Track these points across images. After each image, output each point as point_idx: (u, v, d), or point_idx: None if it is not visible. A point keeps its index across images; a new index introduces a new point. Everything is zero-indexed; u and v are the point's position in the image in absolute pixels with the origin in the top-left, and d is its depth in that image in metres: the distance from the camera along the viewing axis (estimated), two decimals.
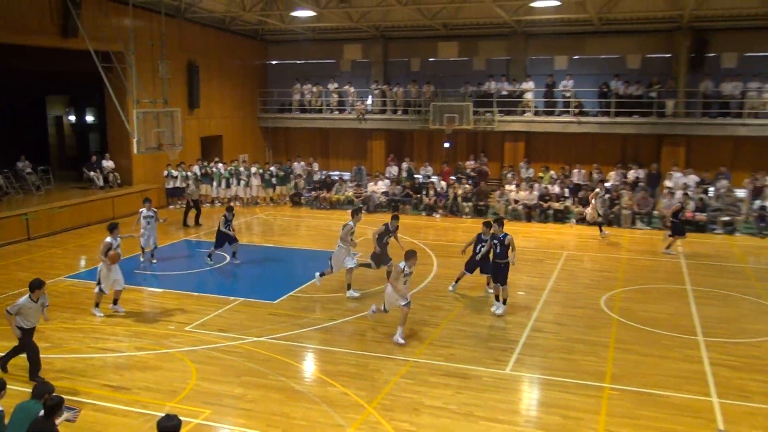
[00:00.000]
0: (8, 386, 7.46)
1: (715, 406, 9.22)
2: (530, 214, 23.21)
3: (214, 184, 25.79)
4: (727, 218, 21.48)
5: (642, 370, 10.47)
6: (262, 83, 31.50)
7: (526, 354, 11.14)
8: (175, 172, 24.58)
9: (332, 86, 29.81)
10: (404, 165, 27.09)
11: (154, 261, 16.64)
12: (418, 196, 25.07)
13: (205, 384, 9.85)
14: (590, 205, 20.72)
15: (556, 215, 23.10)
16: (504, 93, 27.08)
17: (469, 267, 14.22)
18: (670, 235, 18.43)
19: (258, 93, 30.84)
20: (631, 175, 24.39)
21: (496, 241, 12.99)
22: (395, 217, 14.72)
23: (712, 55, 25.71)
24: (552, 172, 25.20)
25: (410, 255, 11.30)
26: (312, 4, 23.15)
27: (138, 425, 8.63)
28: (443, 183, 25.31)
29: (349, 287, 14.18)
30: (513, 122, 26.73)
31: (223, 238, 16.49)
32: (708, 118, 24.74)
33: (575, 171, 25.29)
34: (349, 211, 17.86)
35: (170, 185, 24.72)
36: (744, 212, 21.95)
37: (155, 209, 16.67)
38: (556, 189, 23.90)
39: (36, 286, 9.76)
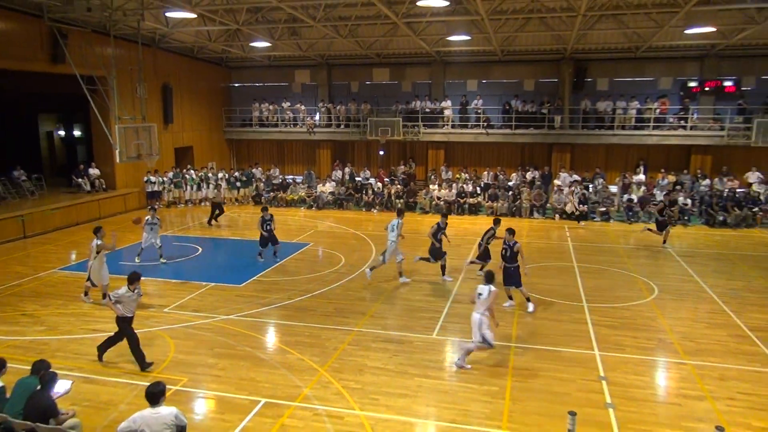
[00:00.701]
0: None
1: (597, 358, 9.57)
2: (450, 208, 23.50)
3: (187, 187, 25.10)
4: (603, 209, 22.31)
5: (540, 331, 10.77)
6: (227, 102, 30.71)
7: (449, 321, 11.28)
8: (153, 178, 23.74)
9: (286, 105, 29.35)
10: (347, 169, 26.95)
11: (163, 261, 15.49)
12: (359, 195, 25.03)
13: (182, 356, 9.58)
14: (570, 201, 21.72)
15: (471, 209, 23.48)
16: (427, 110, 27.26)
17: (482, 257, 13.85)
18: (650, 230, 17.80)
19: (223, 110, 30.06)
20: (529, 175, 24.99)
21: (506, 247, 12.04)
22: (445, 216, 14.25)
23: (590, 79, 26.58)
24: (466, 174, 25.58)
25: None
26: (267, 36, 22.74)
27: (124, 393, 8.33)
28: (379, 184, 25.32)
29: (400, 275, 13.88)
30: (435, 134, 26.95)
31: (265, 239, 15.56)
32: (587, 130, 25.50)
33: (485, 173, 25.73)
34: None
35: (149, 189, 23.86)
36: (616, 204, 22.84)
37: (159, 217, 15.77)
38: (470, 188, 24.29)
39: (135, 278, 9.08)
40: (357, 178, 26.66)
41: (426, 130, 26.68)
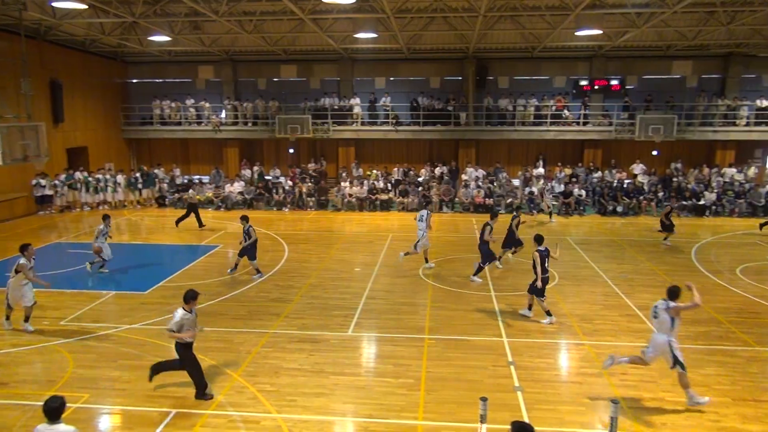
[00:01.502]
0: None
1: (506, 344, 10.01)
2: (362, 205, 23.65)
3: (83, 190, 23.44)
4: (508, 201, 23.33)
5: (452, 321, 11.09)
6: (125, 99, 28.92)
7: (364, 318, 11.36)
8: (43, 182, 21.99)
9: (189, 102, 28.21)
10: (256, 168, 26.37)
11: (106, 271, 14.44)
12: (270, 194, 24.55)
13: (82, 371, 8.96)
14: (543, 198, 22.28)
15: (382, 205, 23.74)
16: (336, 107, 27.23)
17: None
18: (660, 230, 17.58)
19: (120, 108, 28.35)
20: (438, 171, 25.66)
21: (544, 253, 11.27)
22: (495, 215, 14.01)
23: (491, 78, 27.68)
24: (376, 170, 25.83)
25: None
26: (167, 30, 21.67)
27: (17, 416, 7.67)
28: (290, 182, 24.98)
29: (426, 260, 14.99)
30: (345, 131, 26.97)
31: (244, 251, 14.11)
32: (490, 126, 26.53)
33: (395, 169, 26.11)
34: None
35: (39, 194, 22.07)
36: (519, 196, 23.97)
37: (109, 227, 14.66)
38: (381, 184, 24.55)
39: (192, 297, 8.13)
40: (267, 177, 26.14)
41: (336, 128, 26.63)
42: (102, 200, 23.75)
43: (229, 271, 14.40)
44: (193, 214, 19.74)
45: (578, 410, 7.82)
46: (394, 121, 26.72)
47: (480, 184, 24.10)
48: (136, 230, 20.37)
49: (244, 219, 14.26)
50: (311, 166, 26.88)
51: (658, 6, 17.49)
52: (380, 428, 7.44)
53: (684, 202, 22.41)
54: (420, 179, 25.20)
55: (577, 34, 21.08)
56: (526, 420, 7.41)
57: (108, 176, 24.02)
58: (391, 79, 28.49)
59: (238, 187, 24.56)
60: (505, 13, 20.00)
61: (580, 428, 7.32)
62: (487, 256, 13.66)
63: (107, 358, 9.42)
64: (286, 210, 23.64)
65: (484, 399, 6.35)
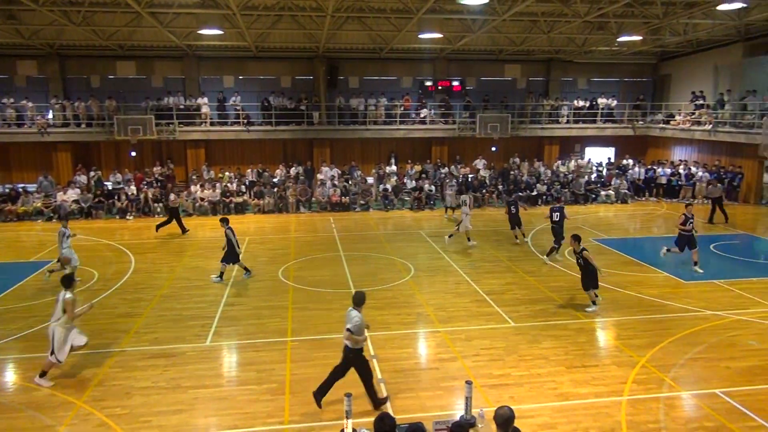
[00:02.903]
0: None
1: (368, 338, 10.23)
2: (215, 208, 22.71)
3: None
4: (363, 202, 23.84)
5: (314, 322, 11.10)
6: None
7: (223, 326, 10.95)
8: None
9: (8, 101, 24.92)
10: (92, 174, 24.11)
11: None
12: (110, 201, 22.59)
13: None
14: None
15: (237, 207, 23.00)
16: (182, 107, 25.81)
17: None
18: (672, 249, 14.77)
19: None
20: (293, 171, 25.47)
21: (578, 255, 11.55)
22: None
23: (342, 77, 28.10)
24: (229, 172, 24.98)
25: None
26: None
27: None
28: (134, 188, 23.20)
29: (469, 239, 17.14)
30: (193, 132, 25.66)
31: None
32: (343, 125, 26.93)
33: (248, 170, 25.44)
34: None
35: None
36: (374, 194, 24.63)
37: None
38: (234, 186, 23.78)
39: (362, 299, 7.73)
40: (106, 183, 24.03)
41: (182, 128, 25.25)
42: None
43: (244, 275, 14.05)
44: (175, 221, 18.93)
45: (437, 395, 8.26)
46: (245, 121, 26.00)
47: (336, 183, 24.37)
48: None
49: (224, 221, 14.00)
50: (157, 169, 25.23)
51: (490, 14, 18.98)
52: None
53: (520, 194, 24.59)
54: (275, 180, 24.83)
55: (420, 36, 22.16)
56: (390, 410, 7.67)
57: None
58: (240, 77, 27.69)
59: (72, 194, 22.24)
60: (353, 14, 20.42)
61: (440, 411, 7.74)
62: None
63: None
64: (130, 218, 21.93)
65: (348, 395, 6.45)
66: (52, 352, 8.51)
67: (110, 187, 23.59)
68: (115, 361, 9.34)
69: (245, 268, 14.13)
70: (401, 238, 18.60)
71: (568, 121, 28.52)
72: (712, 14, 19.91)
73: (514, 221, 17.66)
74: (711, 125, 24.71)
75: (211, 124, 26.12)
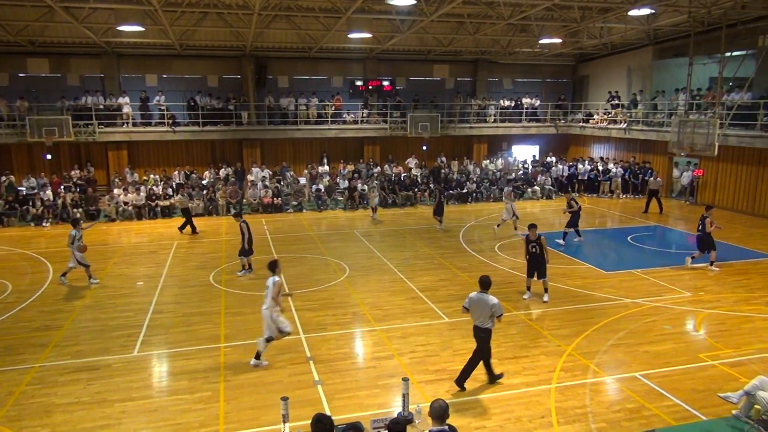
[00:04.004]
0: None
1: (303, 341, 10.15)
2: (140, 213, 21.76)
3: None
4: (295, 202, 23.55)
5: (248, 326, 10.85)
6: None
7: (151, 335, 10.52)
8: None
9: None
10: (3, 179, 22.48)
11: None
12: (24, 207, 21.16)
13: None
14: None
15: (163, 211, 22.14)
16: (102, 107, 24.55)
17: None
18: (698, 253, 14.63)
19: None
20: (222, 172, 24.82)
21: (534, 243, 11.92)
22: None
23: (271, 77, 27.65)
24: (154, 175, 24.02)
25: None
26: None
27: None
28: (50, 192, 21.83)
29: (515, 228, 18.34)
30: (114, 133, 24.43)
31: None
32: (273, 126, 26.46)
33: (175, 172, 24.57)
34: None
35: None
36: (306, 194, 24.39)
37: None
38: (160, 189, 22.89)
39: (489, 283, 8.25)
40: (20, 188, 22.50)
41: (103, 129, 24.02)
42: None
43: (239, 273, 14.23)
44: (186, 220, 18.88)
45: (374, 393, 8.30)
46: (170, 121, 25.06)
47: (267, 184, 23.96)
48: None
49: (237, 215, 14.69)
50: (76, 173, 23.89)
51: (418, 14, 19.24)
52: None
53: (451, 191, 25.10)
54: (204, 182, 24.09)
55: (349, 36, 22.15)
56: (328, 411, 7.63)
57: None
58: (165, 76, 26.67)
59: None
60: (280, 12, 20.13)
61: (378, 409, 7.77)
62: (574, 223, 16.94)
63: None
64: (47, 225, 20.62)
65: (284, 398, 6.37)
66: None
67: (24, 193, 22.11)
68: (33, 378, 8.77)
69: (249, 265, 14.45)
70: (335, 238, 18.54)
71: (495, 121, 29.37)
72: (624, 19, 21.07)
73: (439, 209, 19.27)
74: (626, 124, 26.21)
75: (134, 124, 24.99)
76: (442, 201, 19.68)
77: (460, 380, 8.35)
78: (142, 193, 22.18)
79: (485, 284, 8.30)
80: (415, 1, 17.13)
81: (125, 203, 21.74)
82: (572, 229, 17.16)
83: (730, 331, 10.52)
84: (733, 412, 7.52)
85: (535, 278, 12.18)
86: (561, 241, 16.87)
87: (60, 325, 10.96)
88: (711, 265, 14.38)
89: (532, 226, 12.25)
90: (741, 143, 20.60)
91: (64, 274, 13.60)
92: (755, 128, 20.00)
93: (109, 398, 8.15)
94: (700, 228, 14.46)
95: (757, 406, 7.06)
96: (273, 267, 9.42)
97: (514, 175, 27.18)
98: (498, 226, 18.56)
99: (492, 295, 8.25)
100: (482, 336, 8.30)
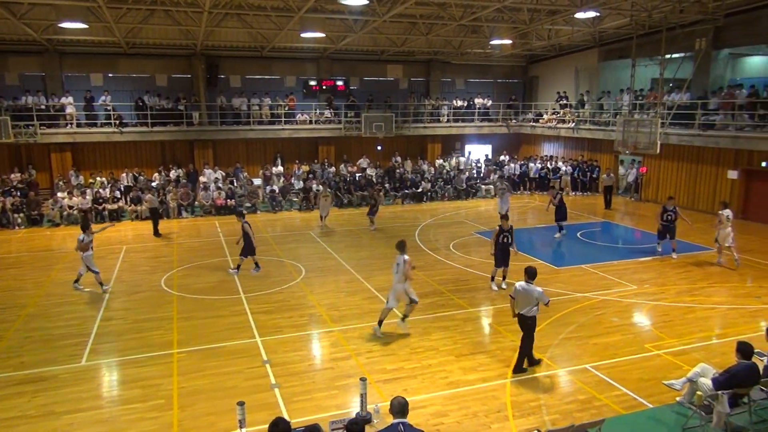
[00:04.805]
0: None
1: (259, 344, 10.01)
2: (86, 217, 20.94)
3: None
4: (250, 204, 23.17)
5: (202, 331, 10.64)
6: None
7: (100, 343, 10.16)
8: None
9: None
10: None
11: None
12: None
13: None
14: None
15: (112, 215, 21.40)
16: (43, 107, 23.55)
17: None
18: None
19: None
20: (173, 174, 24.21)
21: (507, 233, 12.78)
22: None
23: (223, 76, 27.15)
24: (101, 177, 23.20)
25: None
26: None
27: None
28: None
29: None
30: (57, 134, 23.46)
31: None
32: (226, 126, 26.00)
33: (123, 175, 23.79)
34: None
35: None
36: (261, 196, 24.06)
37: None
38: (108, 192, 22.13)
39: (535, 273, 8.62)
40: None
41: (45, 131, 23.03)
42: None
43: (253, 271, 14.30)
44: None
45: (332, 394, 8.26)
46: (117, 122, 24.26)
47: (220, 185, 23.51)
48: None
49: (240, 215, 14.47)
50: (16, 176, 22.83)
51: (371, 14, 19.27)
52: None
53: (406, 191, 25.25)
54: (154, 184, 23.42)
55: (302, 35, 21.98)
56: (285, 414, 7.56)
57: None
58: (111, 75, 25.81)
59: None
60: (231, 10, 19.81)
61: (336, 410, 7.75)
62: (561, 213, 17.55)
63: None
64: None
65: (241, 403, 6.28)
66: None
67: None
68: None
69: (256, 263, 14.42)
70: (291, 239, 18.36)
71: (448, 120, 29.72)
72: (571, 21, 21.69)
73: (373, 210, 19.54)
74: (574, 123, 26.99)
75: (78, 125, 24.07)
76: (377, 202, 19.79)
77: (519, 365, 8.83)
78: (88, 197, 21.38)
79: (531, 274, 8.64)
80: (368, 1, 17.16)
81: (70, 207, 20.92)
82: (563, 223, 17.86)
83: (673, 322, 10.98)
84: (677, 398, 7.86)
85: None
86: (558, 235, 17.71)
87: (1, 336, 10.46)
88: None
89: (504, 218, 13.18)
90: (681, 141, 21.55)
91: (77, 281, 13.16)
92: (693, 127, 20.97)
93: (57, 410, 7.83)
94: (666, 218, 15.40)
95: (699, 393, 7.39)
96: (401, 247, 10.17)
97: (467, 173, 27.56)
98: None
99: (537, 285, 8.59)
100: (529, 323, 8.68)
